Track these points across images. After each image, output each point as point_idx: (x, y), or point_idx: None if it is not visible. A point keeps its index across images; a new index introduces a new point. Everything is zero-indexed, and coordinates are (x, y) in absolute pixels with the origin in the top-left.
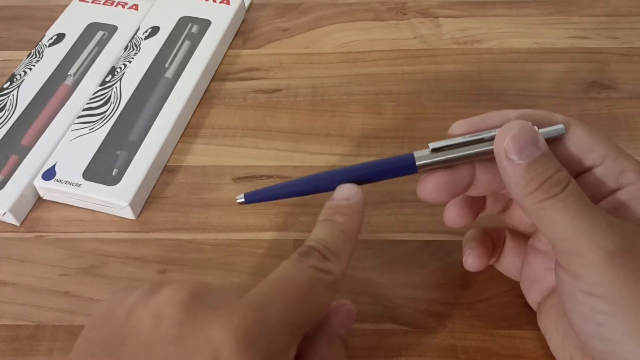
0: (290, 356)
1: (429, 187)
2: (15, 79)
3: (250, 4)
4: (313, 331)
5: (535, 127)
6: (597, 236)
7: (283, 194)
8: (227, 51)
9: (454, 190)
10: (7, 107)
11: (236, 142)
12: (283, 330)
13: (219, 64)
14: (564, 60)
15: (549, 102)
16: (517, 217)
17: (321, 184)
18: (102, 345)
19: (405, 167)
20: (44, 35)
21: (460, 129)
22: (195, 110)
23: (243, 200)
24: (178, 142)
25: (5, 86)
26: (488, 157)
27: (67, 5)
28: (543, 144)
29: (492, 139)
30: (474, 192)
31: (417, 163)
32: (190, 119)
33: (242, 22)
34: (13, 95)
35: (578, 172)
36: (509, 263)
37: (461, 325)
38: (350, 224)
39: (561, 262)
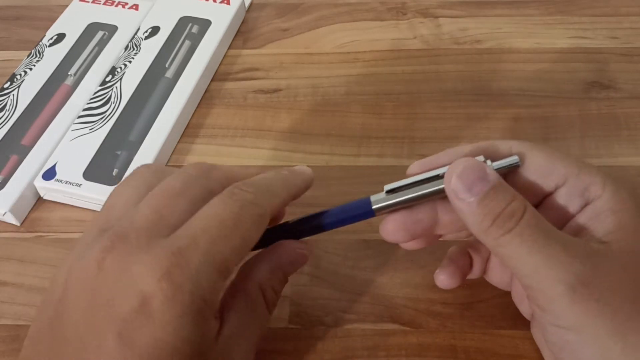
0: (219, 290)
1: (388, 228)
2: (15, 79)
3: (251, 4)
4: (260, 258)
5: (483, 160)
6: (557, 270)
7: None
8: (227, 51)
9: (414, 231)
10: (7, 107)
11: (236, 142)
12: (207, 270)
13: (219, 64)
14: (564, 60)
15: (549, 102)
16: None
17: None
18: (46, 308)
19: (363, 213)
20: (44, 35)
21: (415, 169)
22: (196, 110)
23: None
24: (178, 142)
25: (5, 86)
26: (445, 195)
27: (67, 5)
28: (493, 176)
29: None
30: (441, 231)
31: (373, 207)
32: (191, 119)
33: (242, 22)
34: (13, 95)
35: (543, 196)
36: (497, 277)
37: (461, 325)
38: (293, 182)
39: (528, 296)
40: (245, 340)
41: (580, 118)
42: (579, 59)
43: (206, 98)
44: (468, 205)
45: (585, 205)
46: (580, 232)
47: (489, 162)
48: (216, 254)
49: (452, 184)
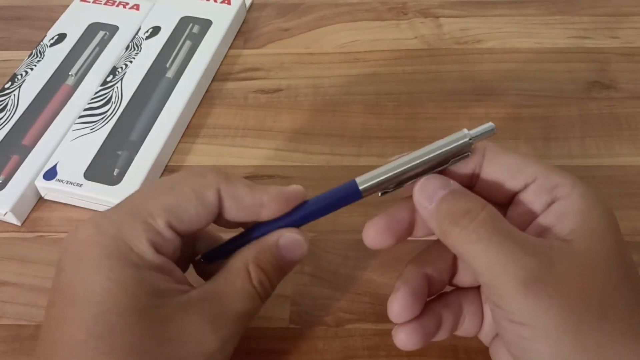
0: (150, 240)
1: (370, 233)
2: (16, 79)
3: (251, 4)
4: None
5: (442, 176)
6: (510, 266)
7: (239, 245)
8: (228, 51)
9: (397, 231)
10: (8, 107)
11: (237, 142)
12: (130, 219)
13: (220, 64)
14: (565, 60)
15: (549, 102)
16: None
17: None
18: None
19: (350, 194)
20: (45, 35)
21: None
22: (196, 110)
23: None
24: (179, 142)
25: (6, 86)
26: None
27: (68, 5)
28: (452, 185)
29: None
30: (420, 232)
31: (360, 187)
32: (191, 119)
33: (243, 22)
34: (14, 95)
35: (512, 194)
36: (471, 326)
37: None
38: (263, 191)
39: (484, 293)
40: (217, 305)
41: (580, 118)
42: (579, 59)
43: (207, 98)
44: (429, 211)
45: (552, 202)
46: (545, 229)
47: (465, 130)
48: (141, 207)
49: (415, 197)
